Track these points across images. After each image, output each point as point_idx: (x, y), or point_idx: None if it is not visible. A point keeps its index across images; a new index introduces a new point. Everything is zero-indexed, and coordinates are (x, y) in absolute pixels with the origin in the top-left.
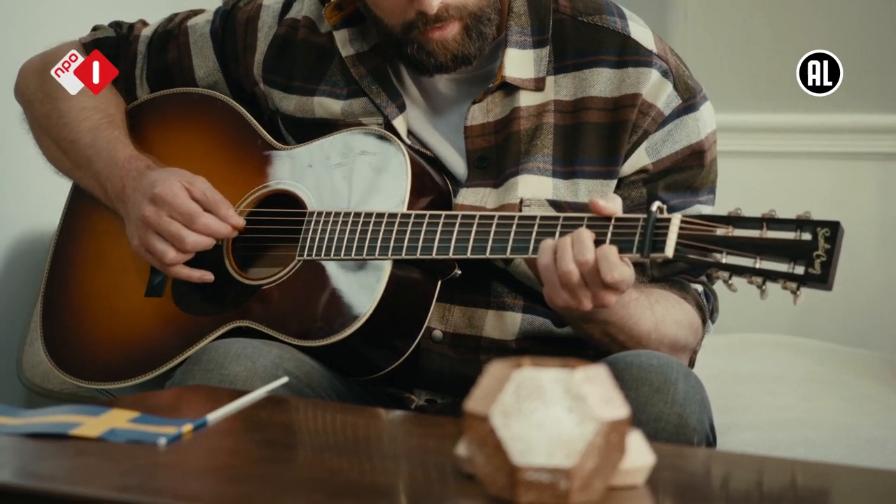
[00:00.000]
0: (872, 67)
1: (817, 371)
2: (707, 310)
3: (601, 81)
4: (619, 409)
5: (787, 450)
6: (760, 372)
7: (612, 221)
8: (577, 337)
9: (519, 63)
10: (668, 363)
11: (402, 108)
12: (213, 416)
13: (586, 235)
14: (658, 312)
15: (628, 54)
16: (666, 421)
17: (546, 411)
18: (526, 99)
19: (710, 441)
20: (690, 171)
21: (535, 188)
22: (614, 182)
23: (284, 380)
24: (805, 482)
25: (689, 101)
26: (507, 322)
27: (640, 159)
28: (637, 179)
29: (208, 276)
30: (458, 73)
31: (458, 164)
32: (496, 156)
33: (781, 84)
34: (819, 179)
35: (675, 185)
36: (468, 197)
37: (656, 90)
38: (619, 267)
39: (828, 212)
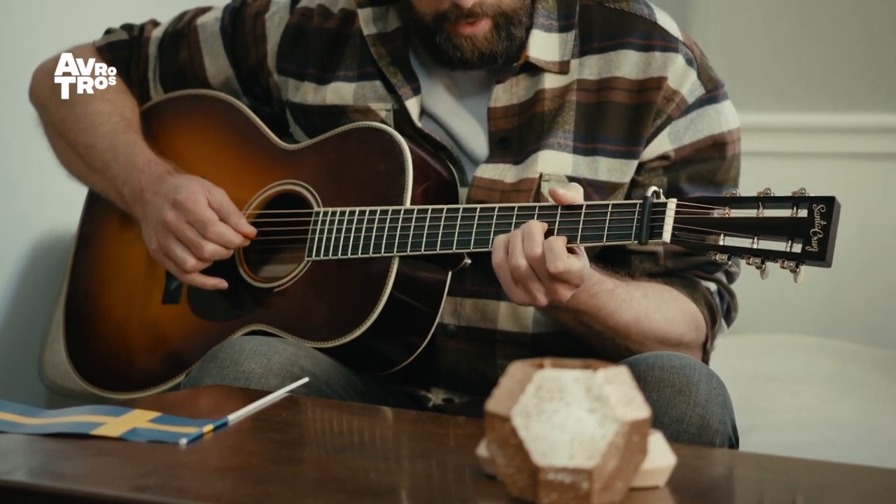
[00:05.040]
0: None
1: (840, 372)
2: (719, 309)
3: (627, 63)
4: (640, 409)
5: (810, 451)
6: (783, 372)
7: (560, 210)
8: None
9: (544, 45)
10: (691, 365)
11: (416, 91)
12: (234, 417)
13: (536, 228)
14: (642, 306)
15: (655, 39)
16: (688, 422)
17: (567, 412)
18: (551, 81)
19: (733, 442)
20: (712, 162)
21: (554, 164)
22: (634, 163)
23: (305, 380)
24: (827, 483)
25: (713, 92)
26: (521, 313)
27: (661, 144)
28: (658, 166)
29: (222, 284)
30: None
31: (480, 143)
32: (518, 137)
33: (805, 84)
34: (844, 180)
35: (697, 177)
36: (487, 171)
37: (681, 76)
38: (563, 258)
39: (853, 212)
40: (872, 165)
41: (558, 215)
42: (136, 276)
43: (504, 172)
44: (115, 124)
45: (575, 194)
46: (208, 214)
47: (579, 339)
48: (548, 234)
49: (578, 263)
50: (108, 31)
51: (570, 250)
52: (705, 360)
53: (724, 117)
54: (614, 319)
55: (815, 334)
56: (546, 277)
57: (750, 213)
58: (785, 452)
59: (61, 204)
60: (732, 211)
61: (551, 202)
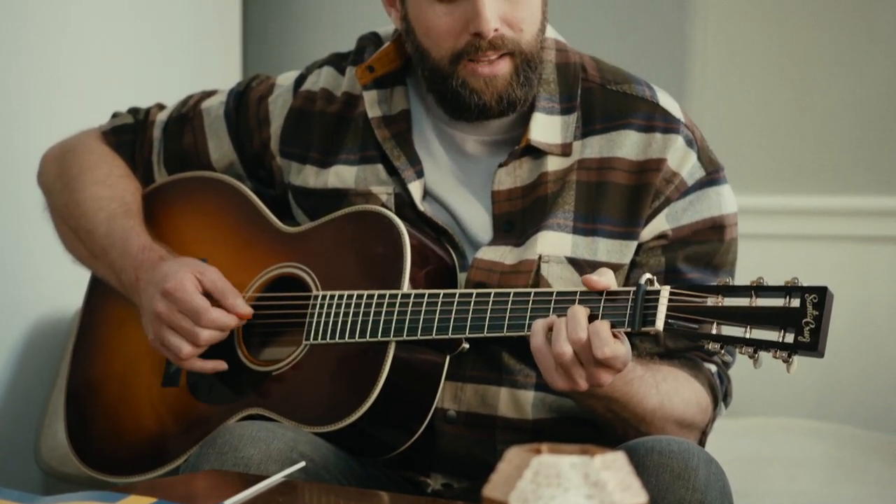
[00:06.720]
0: (893, 149)
1: (838, 456)
2: (720, 390)
3: (628, 144)
4: (637, 495)
5: None
6: (780, 456)
7: (605, 296)
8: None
9: (546, 128)
10: (689, 449)
11: (419, 175)
12: (231, 502)
13: (581, 313)
14: (664, 390)
15: (656, 119)
16: None
17: (565, 497)
18: (553, 164)
19: None
20: (710, 244)
21: (553, 245)
22: (634, 244)
23: (302, 464)
24: None
25: (713, 174)
26: (521, 400)
27: (659, 225)
28: (656, 246)
29: (222, 366)
30: (487, 135)
31: (483, 225)
32: (521, 219)
33: (799, 166)
34: (839, 262)
35: (695, 259)
36: (487, 253)
37: (681, 158)
38: (610, 343)
39: (849, 295)
40: (867, 248)
41: (553, 301)
42: (137, 358)
43: (504, 254)
44: (114, 210)
45: (607, 279)
46: (199, 302)
47: (602, 424)
48: (591, 318)
49: (623, 348)
50: (115, 115)
51: (613, 335)
52: (702, 442)
53: (723, 200)
54: (642, 406)
55: (813, 417)
56: (590, 363)
57: (743, 301)
58: None
59: (59, 286)
60: (726, 299)
61: (552, 287)
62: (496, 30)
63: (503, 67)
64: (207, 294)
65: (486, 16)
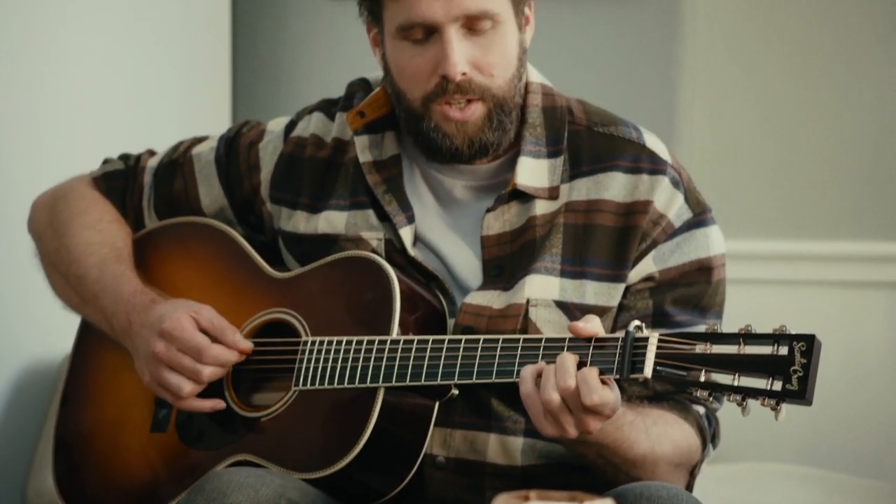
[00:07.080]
0: (882, 195)
1: (826, 502)
2: (708, 432)
3: (615, 186)
4: None
5: None
6: (768, 503)
7: (593, 343)
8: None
9: (533, 172)
10: (678, 495)
11: (410, 220)
12: None
13: (569, 361)
14: (654, 435)
15: (643, 161)
16: None
17: None
18: (541, 207)
19: None
20: (698, 286)
21: (541, 288)
22: (622, 287)
23: None
24: None
25: (700, 216)
26: (510, 446)
27: (646, 267)
28: (644, 288)
29: (220, 405)
30: (475, 180)
31: (472, 270)
32: (511, 263)
33: (789, 211)
34: (829, 308)
35: (683, 301)
36: (476, 297)
37: (668, 200)
38: (598, 390)
39: (838, 340)
40: (856, 294)
41: (542, 348)
42: (126, 404)
43: (493, 299)
44: (104, 255)
45: (594, 326)
46: (199, 339)
47: (593, 469)
48: (580, 365)
49: (612, 395)
50: (106, 161)
51: (602, 381)
52: (691, 484)
53: (711, 241)
54: (633, 451)
55: (802, 463)
56: (579, 410)
57: (731, 349)
58: None
59: (47, 332)
60: (714, 346)
61: (540, 331)
62: (464, 73)
63: (475, 112)
64: (204, 332)
65: (452, 59)
